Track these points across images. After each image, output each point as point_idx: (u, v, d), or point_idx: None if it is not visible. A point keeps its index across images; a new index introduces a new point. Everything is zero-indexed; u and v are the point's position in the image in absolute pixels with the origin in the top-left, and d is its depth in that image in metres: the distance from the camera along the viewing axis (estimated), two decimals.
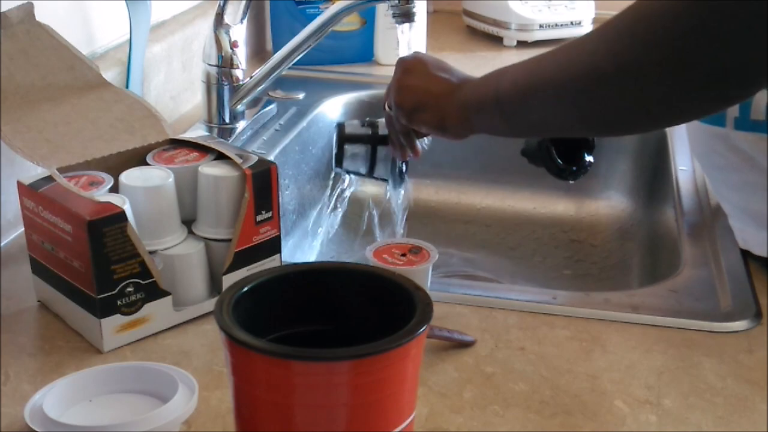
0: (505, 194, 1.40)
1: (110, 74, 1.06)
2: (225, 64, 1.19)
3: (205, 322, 0.80)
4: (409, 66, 0.86)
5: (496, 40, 1.68)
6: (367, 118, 1.01)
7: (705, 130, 0.92)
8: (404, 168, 0.98)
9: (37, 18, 0.94)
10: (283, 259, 0.85)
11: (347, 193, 1.24)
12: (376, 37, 1.55)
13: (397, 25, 1.05)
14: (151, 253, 0.77)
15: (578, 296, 0.88)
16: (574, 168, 0.90)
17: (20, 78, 0.89)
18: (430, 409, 0.69)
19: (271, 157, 1.17)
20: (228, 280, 0.80)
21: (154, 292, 0.77)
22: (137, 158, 0.84)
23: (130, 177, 0.80)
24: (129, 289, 0.75)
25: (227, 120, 1.22)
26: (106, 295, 0.74)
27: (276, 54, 1.19)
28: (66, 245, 0.75)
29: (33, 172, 0.81)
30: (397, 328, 0.52)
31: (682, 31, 0.57)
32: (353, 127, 1.00)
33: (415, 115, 0.85)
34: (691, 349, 0.78)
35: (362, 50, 1.55)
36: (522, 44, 1.65)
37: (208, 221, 0.82)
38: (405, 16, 1.04)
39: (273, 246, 0.83)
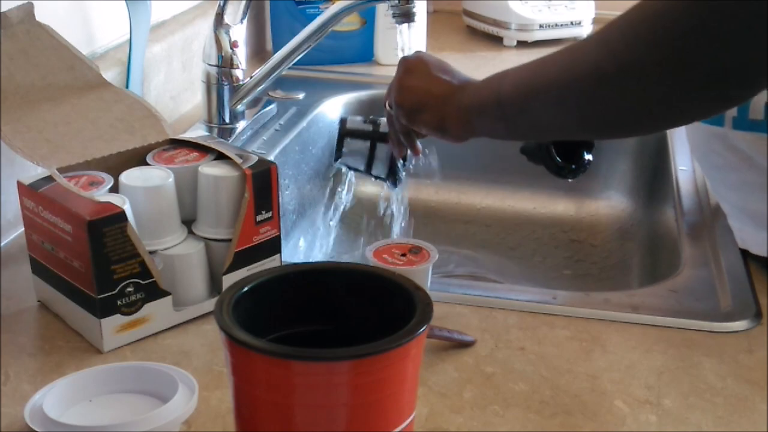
0: (505, 194, 1.40)
1: (110, 74, 1.06)
2: (225, 64, 1.19)
3: (205, 322, 0.80)
4: (411, 66, 0.86)
5: (496, 40, 1.68)
6: (371, 116, 1.01)
7: (703, 129, 0.92)
8: (402, 168, 0.99)
9: (37, 18, 0.94)
10: (283, 259, 0.85)
11: (347, 193, 1.24)
12: (376, 37, 1.55)
13: (396, 25, 1.05)
14: (151, 253, 0.77)
15: (578, 296, 0.88)
16: (574, 166, 0.90)
17: (20, 78, 0.89)
18: (430, 409, 0.69)
19: (271, 157, 1.17)
20: (228, 280, 0.80)
21: (154, 292, 0.77)
22: (137, 158, 0.84)
23: (130, 177, 0.80)
24: (129, 289, 0.75)
25: (227, 120, 1.22)
26: (106, 295, 0.74)
27: (276, 54, 1.19)
28: (66, 245, 0.75)
29: (33, 172, 0.81)
30: (397, 328, 0.52)
31: (683, 31, 0.58)
32: (355, 122, 1.01)
33: (416, 116, 0.85)
34: (691, 349, 0.78)
35: (362, 50, 1.55)
36: (522, 44, 1.65)
37: (208, 221, 0.82)
38: (405, 16, 1.04)
39: (273, 246, 0.83)
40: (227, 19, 1.17)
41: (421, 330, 0.53)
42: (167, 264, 0.78)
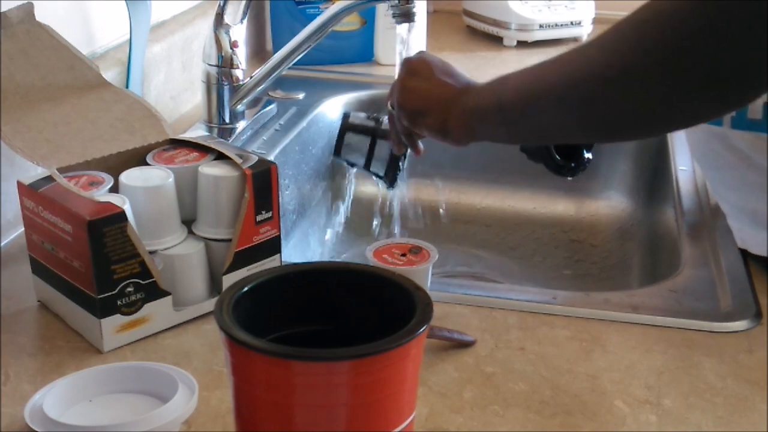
0: (505, 194, 1.40)
1: (110, 74, 1.06)
2: (225, 64, 1.19)
3: (205, 322, 0.80)
4: (414, 68, 0.86)
5: (496, 40, 1.68)
6: (375, 114, 1.01)
7: (702, 129, 0.92)
8: (401, 167, 0.99)
9: (37, 18, 0.94)
10: (283, 259, 0.85)
11: (348, 193, 1.24)
12: (376, 37, 1.55)
13: (396, 25, 1.05)
14: (151, 253, 0.77)
15: (578, 296, 0.88)
16: (573, 165, 0.90)
17: (20, 78, 0.89)
18: (430, 409, 0.69)
19: (271, 157, 1.17)
20: (228, 280, 0.80)
21: (154, 292, 0.77)
22: (137, 158, 0.84)
23: (130, 177, 0.80)
24: (129, 289, 0.75)
25: (227, 120, 1.22)
26: (106, 295, 0.74)
27: (276, 54, 1.19)
28: (66, 245, 0.75)
29: (33, 172, 0.81)
30: (397, 328, 0.52)
31: (690, 31, 0.57)
32: (358, 118, 1.01)
33: (417, 119, 0.85)
34: (691, 349, 0.78)
35: (362, 50, 1.55)
36: (522, 44, 1.65)
37: (208, 221, 0.82)
38: (405, 16, 1.04)
39: (273, 246, 0.83)
40: (227, 19, 1.17)
41: (421, 330, 0.53)
42: (167, 264, 0.78)
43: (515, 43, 1.65)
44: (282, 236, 0.84)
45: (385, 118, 0.96)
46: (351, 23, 1.53)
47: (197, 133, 1.02)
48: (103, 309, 0.74)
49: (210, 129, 1.22)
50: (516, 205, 1.39)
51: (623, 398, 0.71)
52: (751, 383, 0.73)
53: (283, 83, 1.34)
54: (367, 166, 1.00)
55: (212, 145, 0.85)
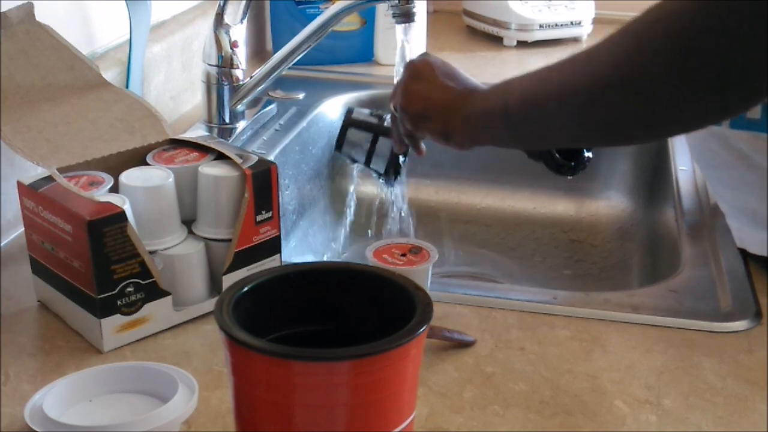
0: (505, 194, 1.40)
1: (110, 74, 1.06)
2: (225, 64, 1.19)
3: (205, 322, 0.80)
4: (417, 71, 0.86)
5: (496, 40, 1.68)
6: (378, 110, 1.01)
7: (702, 128, 0.92)
8: (402, 165, 0.99)
9: (37, 18, 0.94)
10: (283, 259, 0.85)
11: (348, 193, 1.24)
12: (376, 37, 1.55)
13: (396, 25, 1.05)
14: (151, 253, 0.77)
15: (578, 296, 0.88)
16: (573, 164, 0.90)
17: (20, 78, 0.89)
18: (430, 409, 0.69)
19: (271, 157, 1.17)
20: (228, 280, 0.80)
21: (154, 292, 0.77)
22: (137, 158, 0.84)
23: (130, 177, 0.80)
24: (129, 289, 0.75)
25: (227, 120, 1.22)
26: (106, 295, 0.74)
27: (276, 54, 1.19)
28: (66, 245, 0.75)
29: (33, 172, 0.81)
30: (397, 328, 0.52)
31: (699, 30, 0.57)
32: (362, 114, 1.00)
33: (420, 123, 0.85)
34: (691, 349, 0.78)
35: (362, 50, 1.55)
36: (522, 44, 1.65)
37: (208, 221, 0.82)
38: (405, 16, 1.04)
39: (273, 246, 0.83)
40: (227, 19, 1.17)
41: (421, 330, 0.53)
42: (167, 264, 0.78)
43: (515, 43, 1.65)
44: (282, 236, 0.84)
45: (388, 116, 0.96)
46: (351, 23, 1.53)
47: (197, 133, 1.02)
48: (103, 309, 0.74)
49: (210, 129, 1.22)
50: (516, 205, 1.39)
51: (623, 398, 0.71)
52: (751, 383, 0.73)
53: (283, 83, 1.34)
54: (367, 162, 1.00)
55: (212, 145, 0.85)
